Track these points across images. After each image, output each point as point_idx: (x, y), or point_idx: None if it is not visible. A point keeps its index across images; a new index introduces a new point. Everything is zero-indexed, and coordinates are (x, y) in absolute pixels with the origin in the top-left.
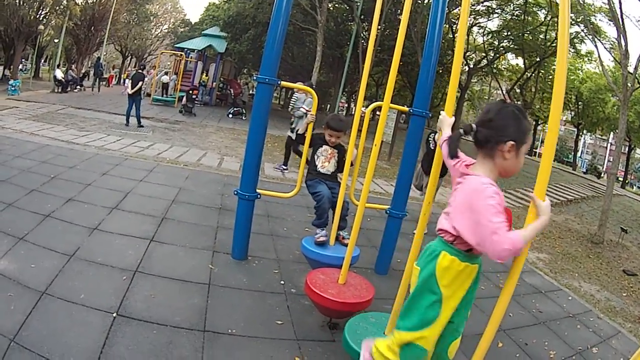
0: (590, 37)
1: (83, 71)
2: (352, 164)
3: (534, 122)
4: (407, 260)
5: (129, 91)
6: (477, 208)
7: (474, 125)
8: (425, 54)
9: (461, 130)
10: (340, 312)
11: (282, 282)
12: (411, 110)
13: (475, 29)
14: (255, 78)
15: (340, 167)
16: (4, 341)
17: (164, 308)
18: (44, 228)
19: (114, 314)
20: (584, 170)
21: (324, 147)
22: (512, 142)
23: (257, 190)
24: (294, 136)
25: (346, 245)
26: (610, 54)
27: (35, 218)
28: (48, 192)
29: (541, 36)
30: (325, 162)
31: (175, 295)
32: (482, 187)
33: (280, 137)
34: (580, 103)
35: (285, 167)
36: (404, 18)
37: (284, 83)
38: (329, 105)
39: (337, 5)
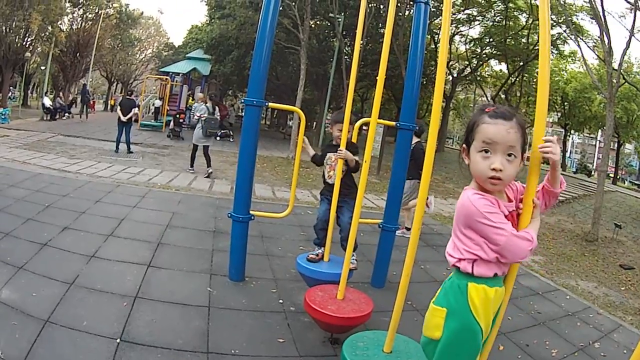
0: (572, 37)
1: (70, 98)
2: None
3: None
4: (402, 275)
5: (123, 118)
6: (476, 221)
7: None
8: (409, 68)
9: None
10: (341, 327)
11: (281, 300)
12: (398, 125)
13: (457, 37)
14: (242, 101)
15: (349, 175)
16: None
17: (166, 332)
18: (43, 257)
19: (118, 340)
20: (574, 170)
21: (329, 154)
22: (463, 145)
23: (251, 212)
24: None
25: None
26: (594, 52)
27: (33, 247)
28: (44, 220)
29: (523, 40)
30: (330, 170)
31: (176, 319)
32: (468, 201)
33: (269, 157)
34: (566, 104)
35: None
36: (388, 33)
37: (271, 104)
38: (315, 123)
39: (318, 22)
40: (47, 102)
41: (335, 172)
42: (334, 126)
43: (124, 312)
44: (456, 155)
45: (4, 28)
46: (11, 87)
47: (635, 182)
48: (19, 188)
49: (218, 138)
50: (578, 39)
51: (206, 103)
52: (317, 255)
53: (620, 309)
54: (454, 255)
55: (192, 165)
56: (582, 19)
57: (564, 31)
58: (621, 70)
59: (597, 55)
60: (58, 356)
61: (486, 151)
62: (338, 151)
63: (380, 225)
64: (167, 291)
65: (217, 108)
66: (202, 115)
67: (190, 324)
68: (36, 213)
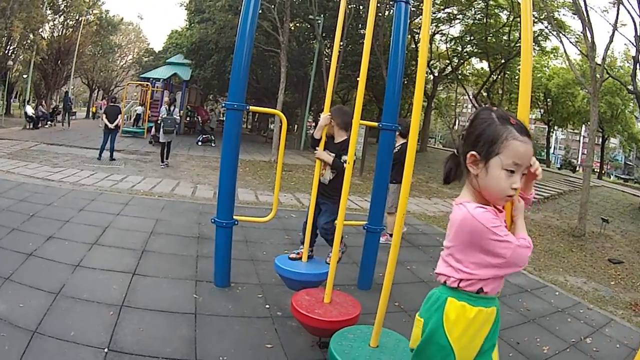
0: (555, 33)
1: (52, 106)
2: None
3: None
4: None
5: (110, 126)
6: (481, 237)
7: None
8: (390, 68)
9: (455, 150)
10: (328, 330)
11: (268, 305)
12: (380, 125)
13: (437, 36)
14: (223, 105)
15: (338, 177)
16: None
17: (153, 340)
18: (28, 267)
19: (106, 350)
20: (559, 166)
21: (326, 150)
22: (471, 153)
23: (234, 217)
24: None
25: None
26: (577, 47)
27: (19, 257)
28: (29, 230)
29: (505, 37)
30: (322, 169)
31: (163, 327)
32: (471, 217)
33: (251, 162)
34: (549, 100)
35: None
36: (368, 33)
37: (252, 108)
38: (296, 126)
39: (298, 24)
40: (30, 110)
41: (327, 171)
42: (333, 121)
43: (111, 321)
44: (440, 155)
45: None
46: None
47: (621, 176)
48: (2, 198)
49: (200, 143)
50: (560, 35)
51: (169, 106)
52: (298, 254)
53: (611, 304)
54: (447, 274)
55: (162, 160)
56: (564, 14)
57: (546, 27)
58: (605, 65)
59: (580, 51)
60: None
61: (512, 171)
62: (314, 152)
63: (365, 227)
64: (153, 299)
65: (174, 109)
66: (161, 116)
67: (178, 331)
68: (21, 223)
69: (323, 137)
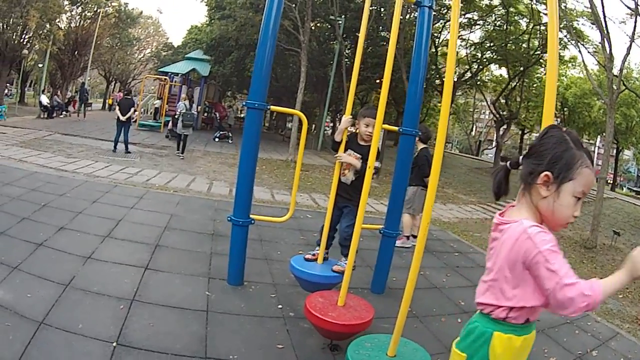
0: (573, 42)
1: (68, 96)
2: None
3: (520, 132)
4: (406, 280)
5: (122, 118)
6: (531, 260)
7: (520, 158)
8: (412, 73)
9: (507, 163)
10: (341, 334)
11: (280, 306)
12: (401, 130)
13: (457, 41)
14: (244, 103)
15: (362, 177)
16: None
17: (163, 336)
18: (38, 257)
19: (114, 344)
20: None
21: (349, 151)
22: (546, 173)
23: (251, 216)
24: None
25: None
26: (594, 57)
27: (29, 247)
28: (40, 220)
29: (524, 45)
30: (345, 169)
31: (174, 323)
32: (526, 234)
33: (268, 160)
34: (565, 109)
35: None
36: (393, 37)
37: (273, 107)
38: (314, 126)
39: (319, 24)
40: (45, 100)
41: (350, 172)
42: (360, 120)
43: (121, 315)
44: (457, 160)
45: (0, 25)
46: (8, 84)
47: (634, 188)
48: (14, 186)
49: (217, 139)
50: (579, 44)
51: (186, 101)
52: (314, 255)
53: (618, 317)
54: (493, 304)
55: (178, 149)
56: (582, 24)
57: (565, 36)
58: (622, 77)
59: (598, 61)
60: (52, 359)
61: (579, 198)
62: (335, 156)
63: (381, 231)
64: (165, 294)
65: (192, 104)
66: (180, 111)
67: (188, 328)
68: (32, 212)
69: (343, 141)
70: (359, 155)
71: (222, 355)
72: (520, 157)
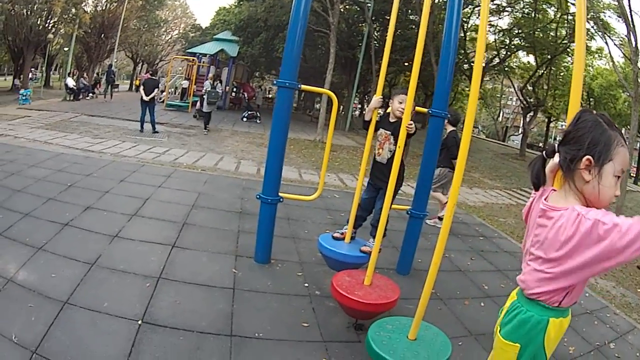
0: (600, 33)
1: (94, 78)
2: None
3: (546, 119)
4: (430, 263)
5: (145, 97)
6: (592, 234)
7: (556, 145)
8: (443, 56)
9: (543, 152)
10: (366, 313)
11: (306, 284)
12: (430, 112)
13: (486, 26)
14: (275, 82)
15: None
16: (26, 354)
17: (189, 314)
18: (63, 237)
19: (139, 322)
20: None
21: (380, 130)
22: (588, 157)
23: (280, 194)
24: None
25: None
26: (621, 50)
27: (54, 227)
28: (65, 200)
29: (552, 33)
30: (379, 148)
31: (200, 301)
32: (581, 216)
33: (296, 140)
34: (591, 100)
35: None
36: (423, 23)
37: (304, 87)
38: (342, 107)
39: (348, 7)
40: (70, 82)
41: (384, 150)
42: (394, 98)
43: (147, 293)
44: (483, 144)
45: (25, 11)
46: (33, 69)
47: None
48: (40, 168)
49: (245, 119)
50: (605, 36)
51: (213, 81)
52: (342, 233)
53: (636, 311)
54: (550, 291)
55: (205, 128)
56: (609, 16)
57: (592, 27)
58: None
59: (624, 54)
60: (76, 338)
61: (618, 177)
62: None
63: (409, 212)
64: (192, 272)
65: (217, 84)
66: (206, 89)
67: (214, 306)
68: (58, 193)
69: (373, 119)
70: (388, 132)
71: (248, 333)
72: (556, 145)
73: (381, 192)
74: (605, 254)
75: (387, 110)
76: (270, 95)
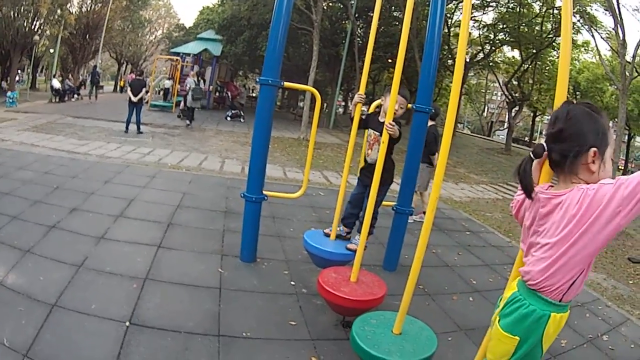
0: (586, 27)
1: (80, 80)
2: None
3: (532, 114)
4: (414, 258)
5: (133, 99)
6: (602, 199)
7: (544, 144)
8: (426, 51)
9: (531, 154)
10: (353, 309)
11: (293, 282)
12: (414, 107)
13: (470, 22)
14: (258, 80)
15: (387, 157)
16: (17, 357)
17: (176, 314)
18: (50, 239)
19: (127, 323)
20: None
21: (369, 130)
22: (594, 149)
23: (264, 192)
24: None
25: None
26: (607, 43)
27: (41, 230)
28: (52, 202)
29: (537, 28)
30: (369, 149)
31: (187, 301)
32: (588, 189)
33: (280, 138)
34: (578, 93)
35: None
36: (407, 19)
37: (287, 84)
38: (325, 104)
39: (331, 4)
40: (56, 84)
41: (373, 151)
42: (385, 97)
43: (134, 294)
44: (468, 140)
45: (12, 13)
46: (19, 71)
47: None
48: (27, 170)
49: (229, 118)
50: (592, 29)
51: (197, 78)
52: (345, 233)
53: (628, 303)
54: (549, 282)
55: (188, 120)
56: (596, 9)
57: (578, 20)
58: (634, 63)
59: (611, 47)
60: (65, 341)
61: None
62: (387, 126)
63: (394, 208)
64: (178, 272)
65: (201, 81)
66: (190, 87)
67: (201, 306)
68: (44, 195)
69: (356, 116)
70: (377, 134)
71: (235, 333)
72: (544, 145)
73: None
74: (613, 209)
75: (372, 110)
76: (254, 94)
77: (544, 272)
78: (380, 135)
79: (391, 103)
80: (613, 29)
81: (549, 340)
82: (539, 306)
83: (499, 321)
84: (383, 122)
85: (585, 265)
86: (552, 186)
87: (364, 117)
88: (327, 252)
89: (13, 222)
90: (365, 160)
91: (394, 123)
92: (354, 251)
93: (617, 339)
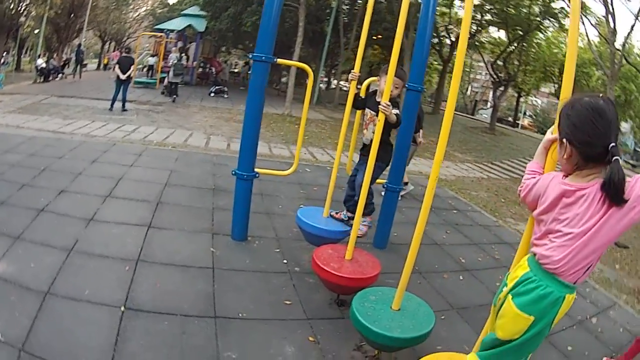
0: None
1: (64, 59)
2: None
3: (516, 95)
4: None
5: (122, 76)
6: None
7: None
8: (420, 30)
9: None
10: (347, 287)
11: (285, 261)
12: (407, 85)
13: (457, 2)
14: (250, 56)
15: (384, 134)
16: (13, 352)
17: (171, 296)
18: (40, 223)
19: (122, 308)
20: None
21: (366, 110)
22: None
23: (256, 170)
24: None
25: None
26: (597, 29)
27: (30, 214)
28: (40, 185)
29: (524, 10)
30: (364, 128)
31: (180, 282)
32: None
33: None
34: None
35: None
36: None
37: (280, 60)
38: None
39: None
40: (41, 62)
41: (368, 131)
42: (381, 77)
43: (127, 277)
44: (453, 118)
45: None
46: (5, 53)
47: (629, 161)
48: (14, 153)
49: (212, 94)
50: (582, 15)
51: (180, 53)
52: (337, 213)
53: (615, 287)
54: (570, 266)
55: (171, 95)
56: None
57: (568, 5)
58: (624, 51)
59: (600, 34)
60: (61, 331)
61: None
62: (381, 106)
63: (385, 186)
64: (170, 253)
65: (183, 57)
66: (173, 62)
67: (195, 286)
68: (32, 178)
69: (351, 92)
70: (374, 113)
71: (231, 314)
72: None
73: (362, 168)
74: (629, 205)
75: (364, 88)
76: (236, 70)
77: (565, 258)
78: (377, 114)
79: (387, 84)
80: (603, 16)
81: (557, 321)
82: (557, 288)
83: (512, 298)
84: (379, 102)
85: (602, 252)
86: (565, 176)
87: (360, 95)
88: (320, 229)
89: (1, 207)
90: (363, 141)
91: (389, 103)
92: (340, 221)
93: (605, 322)
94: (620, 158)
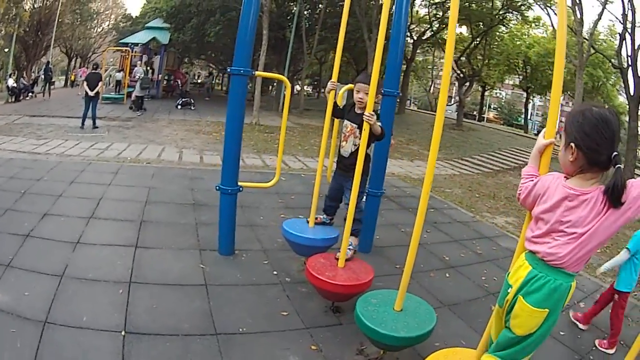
0: (540, 4)
1: (33, 77)
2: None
3: (481, 89)
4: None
5: (90, 93)
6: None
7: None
8: (393, 35)
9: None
10: (343, 295)
11: (275, 272)
12: (383, 92)
13: (418, 1)
14: (229, 70)
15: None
16: None
17: (169, 317)
18: (28, 249)
19: (122, 332)
20: (536, 132)
21: (345, 122)
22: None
23: (239, 183)
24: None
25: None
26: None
27: (17, 240)
28: (22, 209)
29: (487, 5)
30: (344, 140)
31: (176, 302)
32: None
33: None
34: (528, 67)
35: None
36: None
37: (258, 73)
38: (271, 87)
39: None
40: (11, 82)
41: (348, 143)
42: (355, 86)
43: (122, 300)
44: (419, 117)
45: None
46: None
47: None
48: None
49: (179, 107)
50: (546, 6)
51: (146, 67)
52: (317, 218)
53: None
54: (574, 260)
55: (139, 109)
56: None
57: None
58: (592, 41)
59: (567, 25)
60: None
61: None
62: (365, 115)
63: (366, 191)
64: (161, 272)
65: (149, 70)
66: (139, 76)
67: (191, 305)
68: (14, 202)
69: (330, 102)
70: (354, 126)
71: (231, 329)
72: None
73: (347, 185)
74: (624, 206)
75: (341, 96)
76: (199, 81)
77: (570, 254)
78: (358, 127)
79: (370, 95)
80: (569, 7)
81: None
82: (564, 279)
83: (524, 299)
84: (360, 114)
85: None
86: (566, 177)
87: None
88: (308, 239)
89: None
90: (340, 154)
91: (372, 113)
92: (321, 224)
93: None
94: (622, 166)
